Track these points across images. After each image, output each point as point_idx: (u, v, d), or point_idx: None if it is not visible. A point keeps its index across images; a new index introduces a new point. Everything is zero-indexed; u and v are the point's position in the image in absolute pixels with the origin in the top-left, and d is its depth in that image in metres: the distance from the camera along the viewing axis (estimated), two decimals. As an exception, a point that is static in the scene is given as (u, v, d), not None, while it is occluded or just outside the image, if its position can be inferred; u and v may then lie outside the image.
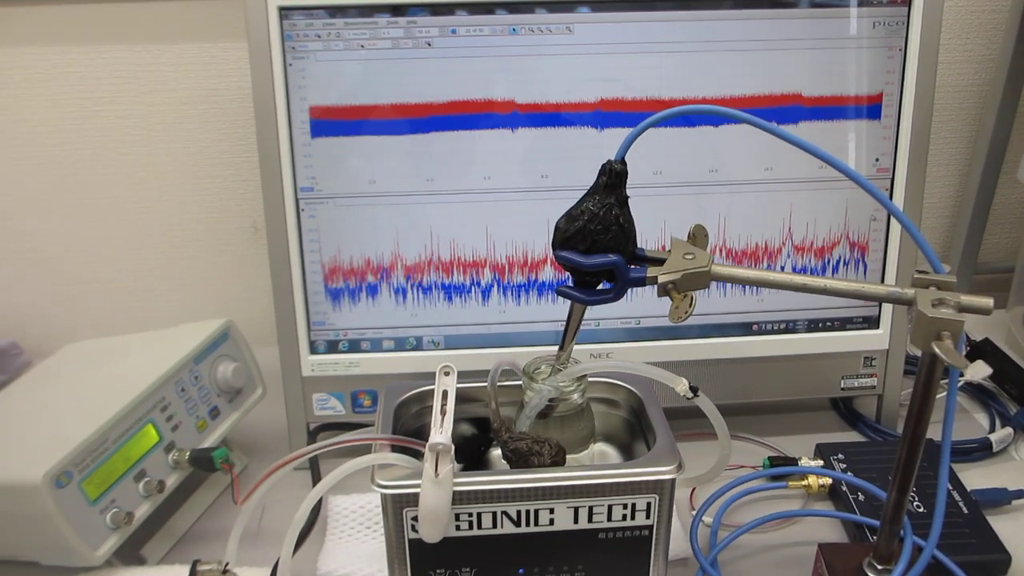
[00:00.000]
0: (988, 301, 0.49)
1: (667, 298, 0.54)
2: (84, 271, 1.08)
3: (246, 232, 1.07)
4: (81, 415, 0.66)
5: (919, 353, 0.52)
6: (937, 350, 0.47)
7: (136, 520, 0.66)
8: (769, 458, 0.79)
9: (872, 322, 0.84)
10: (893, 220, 0.80)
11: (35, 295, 1.08)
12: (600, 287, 0.56)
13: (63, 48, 0.97)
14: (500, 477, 0.56)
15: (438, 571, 0.57)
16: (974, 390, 0.93)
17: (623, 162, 0.53)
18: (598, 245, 0.53)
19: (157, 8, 0.96)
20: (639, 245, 0.56)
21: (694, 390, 0.59)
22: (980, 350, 0.95)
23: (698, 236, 0.57)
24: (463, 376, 0.59)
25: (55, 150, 1.01)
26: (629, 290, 0.55)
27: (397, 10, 0.73)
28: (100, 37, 0.97)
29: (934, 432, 0.52)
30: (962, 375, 0.91)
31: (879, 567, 0.60)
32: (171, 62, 0.98)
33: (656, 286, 0.53)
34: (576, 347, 0.61)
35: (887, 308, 0.83)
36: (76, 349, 0.83)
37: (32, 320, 1.09)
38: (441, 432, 0.53)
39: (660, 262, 0.54)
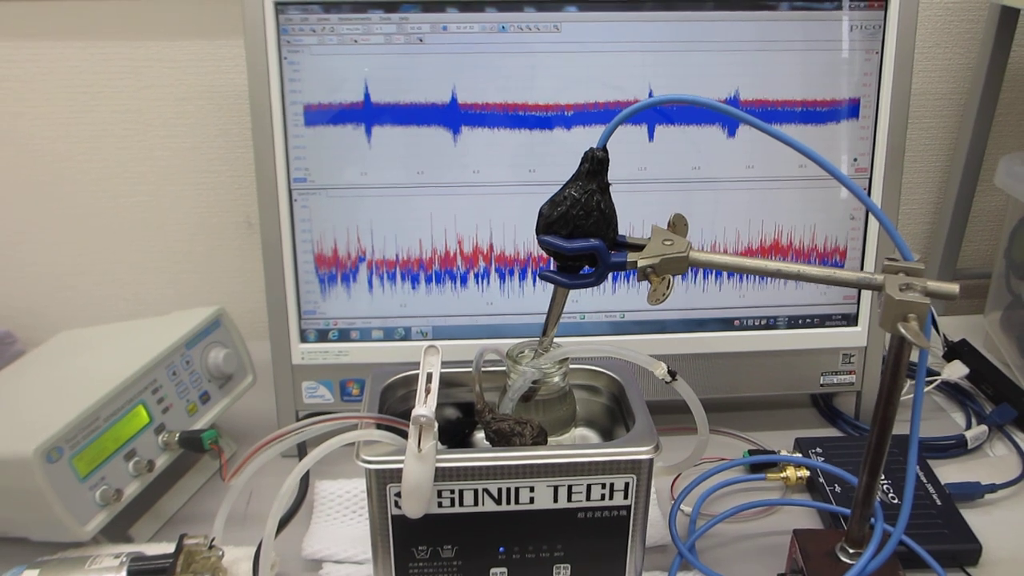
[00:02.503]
0: (954, 287, 0.51)
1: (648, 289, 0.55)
2: (80, 264, 1.09)
3: (241, 227, 1.08)
4: (73, 394, 0.67)
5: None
6: (903, 331, 0.49)
7: (125, 498, 0.67)
8: (749, 450, 0.81)
9: (851, 319, 0.85)
10: (871, 219, 0.82)
11: (30, 287, 1.10)
12: (582, 272, 0.57)
13: (60, 43, 0.98)
14: (482, 454, 0.57)
15: (420, 548, 0.58)
16: (951, 389, 0.94)
17: (605, 149, 0.54)
18: (580, 230, 0.54)
19: (154, 4, 0.97)
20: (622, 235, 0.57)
21: (672, 374, 0.61)
22: (957, 351, 0.97)
23: (678, 224, 0.58)
24: (449, 365, 0.60)
25: (52, 144, 1.03)
26: (613, 284, 0.56)
27: (390, 6, 0.75)
28: (97, 33, 0.98)
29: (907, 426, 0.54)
30: (939, 373, 0.93)
31: (850, 551, 0.62)
32: (168, 58, 1.00)
33: (636, 270, 0.55)
34: (560, 340, 0.63)
35: (865, 305, 0.85)
36: (69, 336, 0.84)
37: (27, 312, 1.10)
38: (424, 406, 0.54)
39: (640, 248, 0.56)
